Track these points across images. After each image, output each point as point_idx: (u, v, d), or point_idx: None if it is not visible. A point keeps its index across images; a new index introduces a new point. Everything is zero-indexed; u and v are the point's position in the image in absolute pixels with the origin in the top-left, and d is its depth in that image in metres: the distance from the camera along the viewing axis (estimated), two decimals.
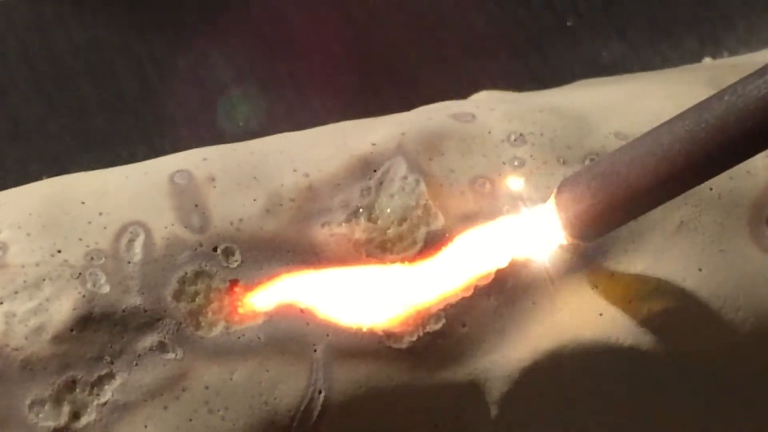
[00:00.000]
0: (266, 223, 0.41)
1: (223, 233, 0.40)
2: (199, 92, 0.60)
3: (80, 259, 0.39)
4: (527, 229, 0.42)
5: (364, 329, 0.40)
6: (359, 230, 0.42)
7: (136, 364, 0.39)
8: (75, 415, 0.38)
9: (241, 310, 0.40)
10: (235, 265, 0.40)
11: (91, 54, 0.60)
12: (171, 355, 0.39)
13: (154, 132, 0.59)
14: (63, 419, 0.38)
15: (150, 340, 0.39)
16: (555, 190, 0.40)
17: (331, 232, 0.41)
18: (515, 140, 0.44)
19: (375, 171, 0.43)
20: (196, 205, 0.41)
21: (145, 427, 0.38)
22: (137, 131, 0.59)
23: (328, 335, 0.40)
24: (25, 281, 0.39)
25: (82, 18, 0.61)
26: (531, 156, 0.44)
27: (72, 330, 0.38)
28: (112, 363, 0.38)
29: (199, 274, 0.40)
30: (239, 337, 0.39)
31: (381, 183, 0.42)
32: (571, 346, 0.41)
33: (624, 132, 0.44)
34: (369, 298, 0.41)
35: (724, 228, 0.44)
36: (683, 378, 0.43)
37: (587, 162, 0.43)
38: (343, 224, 0.42)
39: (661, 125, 0.36)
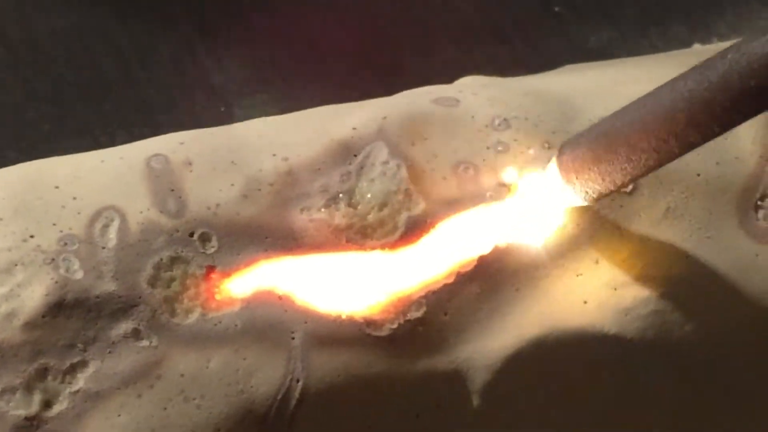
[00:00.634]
0: (244, 208, 0.40)
1: (200, 218, 0.40)
2: (179, 79, 0.59)
3: (53, 245, 0.39)
4: (516, 211, 0.41)
5: (344, 316, 0.40)
6: (339, 216, 0.41)
7: (110, 352, 0.38)
8: (47, 404, 0.37)
9: (217, 297, 0.39)
10: (211, 250, 0.40)
11: (70, 40, 0.60)
12: (146, 343, 0.38)
13: (133, 119, 0.58)
14: (34, 408, 0.37)
15: (124, 327, 0.38)
16: (557, 151, 0.39)
17: (310, 217, 0.41)
18: (499, 125, 0.43)
19: (355, 156, 0.42)
20: (173, 190, 0.40)
21: (119, 415, 0.37)
22: (117, 118, 0.58)
23: (306, 322, 0.39)
24: None
25: (62, 3, 0.61)
26: (515, 140, 0.43)
27: (44, 316, 0.38)
28: (85, 350, 0.38)
29: (175, 260, 0.39)
30: (216, 324, 0.39)
31: (361, 168, 0.42)
32: (555, 334, 0.41)
33: None
34: (348, 284, 0.40)
35: (712, 214, 0.43)
36: (669, 366, 0.42)
37: None
38: (323, 209, 0.41)
39: (663, 85, 0.36)
